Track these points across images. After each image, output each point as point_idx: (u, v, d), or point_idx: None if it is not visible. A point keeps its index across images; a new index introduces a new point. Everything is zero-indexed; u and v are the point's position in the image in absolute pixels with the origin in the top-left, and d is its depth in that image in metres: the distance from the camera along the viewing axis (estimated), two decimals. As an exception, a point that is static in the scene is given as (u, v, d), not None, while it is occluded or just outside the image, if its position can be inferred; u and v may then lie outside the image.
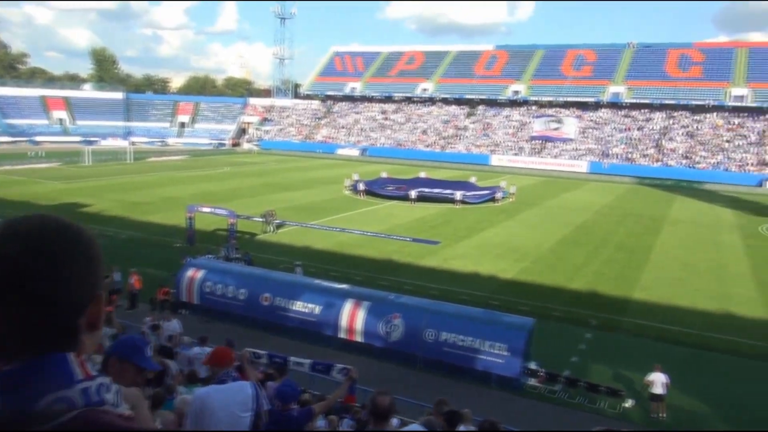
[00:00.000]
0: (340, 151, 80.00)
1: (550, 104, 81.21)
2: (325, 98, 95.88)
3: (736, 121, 70.18)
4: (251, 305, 18.17)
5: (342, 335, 16.71)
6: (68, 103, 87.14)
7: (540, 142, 74.78)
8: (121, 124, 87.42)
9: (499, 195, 43.25)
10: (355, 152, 79.32)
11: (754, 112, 69.76)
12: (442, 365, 15.22)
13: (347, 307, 16.81)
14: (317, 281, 19.12)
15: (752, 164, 63.55)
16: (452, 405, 8.04)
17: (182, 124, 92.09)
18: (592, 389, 14.27)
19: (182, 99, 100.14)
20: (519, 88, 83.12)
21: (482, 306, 18.60)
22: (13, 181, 44.27)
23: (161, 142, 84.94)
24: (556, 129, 75.16)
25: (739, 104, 70.50)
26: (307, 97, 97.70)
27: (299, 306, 17.47)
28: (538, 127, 76.40)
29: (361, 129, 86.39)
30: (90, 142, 67.19)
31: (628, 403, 13.85)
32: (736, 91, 71.31)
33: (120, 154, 63.31)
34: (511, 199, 43.69)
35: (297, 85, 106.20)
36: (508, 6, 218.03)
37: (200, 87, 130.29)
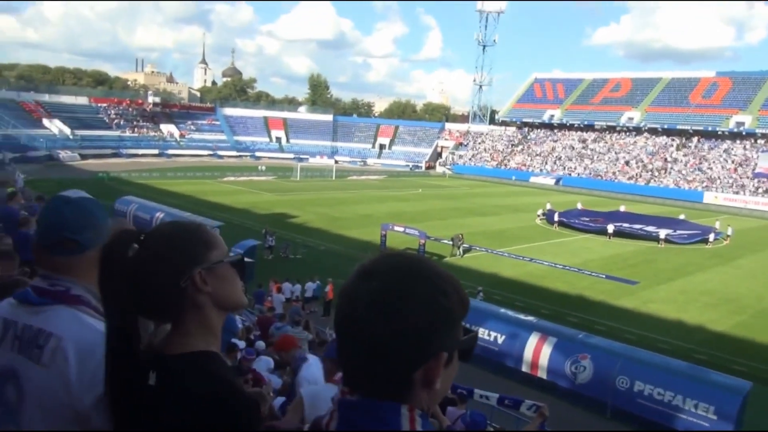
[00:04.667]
0: (533, 179, 78.07)
1: (783, 138, 71.16)
2: (522, 125, 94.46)
3: None
4: (435, 326, 18.26)
5: (524, 369, 16.08)
6: (286, 124, 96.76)
7: (767, 180, 65.85)
8: (328, 143, 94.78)
9: (711, 236, 38.70)
10: (549, 181, 76.84)
11: None
12: (635, 418, 13.88)
13: (532, 340, 16.15)
14: (502, 310, 18.67)
15: None
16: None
17: (381, 146, 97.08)
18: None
19: (384, 122, 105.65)
20: (744, 119, 74.11)
21: (686, 358, 16.66)
22: (236, 191, 50.17)
23: (362, 162, 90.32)
24: (788, 166, 65.63)
25: None
26: (503, 123, 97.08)
27: (483, 333, 17.19)
28: (765, 163, 67.37)
29: (558, 157, 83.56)
30: (301, 159, 73.70)
31: None
32: None
33: (325, 171, 68.57)
34: (726, 242, 38.86)
35: (494, 111, 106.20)
36: (736, 29, 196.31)
37: (401, 111, 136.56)
